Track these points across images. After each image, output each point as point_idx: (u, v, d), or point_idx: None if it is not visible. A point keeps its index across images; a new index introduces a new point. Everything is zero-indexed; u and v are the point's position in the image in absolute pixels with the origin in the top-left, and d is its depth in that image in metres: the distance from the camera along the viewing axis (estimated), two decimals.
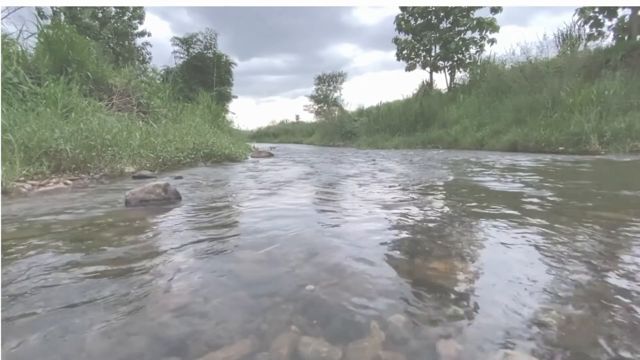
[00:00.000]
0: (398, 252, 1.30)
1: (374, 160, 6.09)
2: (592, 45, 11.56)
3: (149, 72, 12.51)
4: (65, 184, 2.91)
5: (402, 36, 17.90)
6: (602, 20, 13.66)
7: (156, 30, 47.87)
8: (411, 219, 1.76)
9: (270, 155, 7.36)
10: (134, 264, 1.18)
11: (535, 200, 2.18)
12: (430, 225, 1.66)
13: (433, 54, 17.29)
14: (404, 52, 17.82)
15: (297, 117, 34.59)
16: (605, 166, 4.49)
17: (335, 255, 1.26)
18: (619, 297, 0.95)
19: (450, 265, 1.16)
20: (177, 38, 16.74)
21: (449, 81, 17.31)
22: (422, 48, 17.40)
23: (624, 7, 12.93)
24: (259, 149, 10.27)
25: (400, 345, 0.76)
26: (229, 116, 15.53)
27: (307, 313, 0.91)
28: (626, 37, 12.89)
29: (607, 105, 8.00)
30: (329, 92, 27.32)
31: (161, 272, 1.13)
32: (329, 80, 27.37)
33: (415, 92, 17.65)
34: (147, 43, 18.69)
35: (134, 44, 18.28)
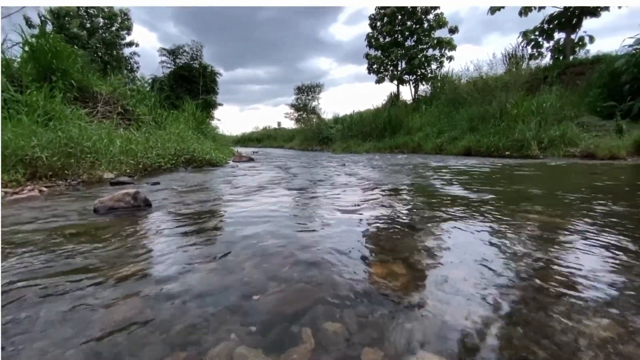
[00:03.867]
0: (345, 258, 1.27)
1: (344, 164, 6.09)
2: (533, 63, 12.12)
3: (137, 81, 11.99)
4: (40, 191, 2.71)
5: (373, 52, 18.15)
6: (541, 42, 14.37)
7: (144, 41, 46.22)
8: (364, 223, 1.75)
9: (250, 159, 7.21)
10: (81, 276, 1.09)
11: (475, 202, 2.23)
12: (380, 230, 1.65)
13: (399, 68, 17.61)
14: (374, 66, 18.05)
15: (279, 123, 34.36)
16: (541, 169, 4.68)
17: (286, 262, 1.22)
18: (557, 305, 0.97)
19: (390, 270, 1.15)
20: (164, 49, 16.14)
21: (413, 93, 17.68)
22: (390, 63, 17.68)
23: (560, 31, 13.64)
24: (241, 153, 10.07)
25: (327, 353, 0.74)
26: (214, 122, 15.18)
27: (249, 322, 0.87)
28: (561, 57, 13.62)
29: (545, 115, 8.41)
30: (307, 101, 27.25)
31: (108, 285, 1.05)
32: (308, 90, 27.31)
33: (384, 102, 17.88)
34: (134, 53, 18.01)
35: (122, 53, 17.54)
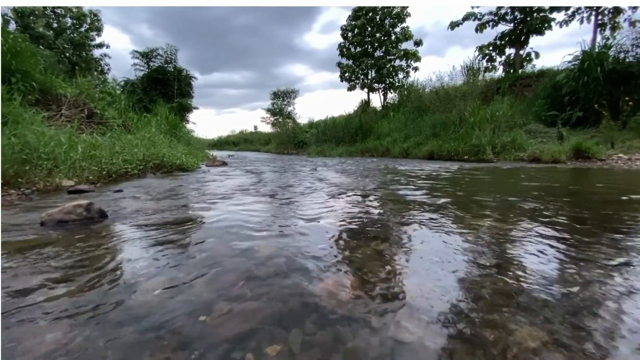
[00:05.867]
0: (300, 271, 1.22)
1: (316, 169, 6.05)
2: (487, 75, 12.77)
3: (108, 83, 11.26)
4: None
5: (345, 61, 18.33)
6: (494, 57, 15.20)
7: (116, 42, 43.73)
8: (324, 233, 1.71)
9: (224, 164, 6.98)
10: (9, 300, 0.96)
11: (431, 208, 2.26)
12: (338, 240, 1.61)
13: (370, 77, 17.91)
14: (346, 74, 18.23)
15: (255, 127, 33.78)
16: (494, 173, 4.91)
17: (239, 279, 1.15)
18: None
19: (342, 284, 1.11)
20: (136, 51, 15.32)
21: (382, 100, 18.06)
22: (360, 72, 17.94)
23: (511, 47, 14.49)
24: (216, 157, 9.75)
25: None
26: (189, 126, 14.62)
27: (191, 347, 0.79)
28: (511, 70, 14.47)
29: (498, 123, 8.86)
30: (283, 106, 27.01)
31: (44, 309, 0.92)
32: (284, 96, 27.06)
33: (355, 108, 18.10)
34: (105, 54, 16.96)
35: (92, 54, 16.46)
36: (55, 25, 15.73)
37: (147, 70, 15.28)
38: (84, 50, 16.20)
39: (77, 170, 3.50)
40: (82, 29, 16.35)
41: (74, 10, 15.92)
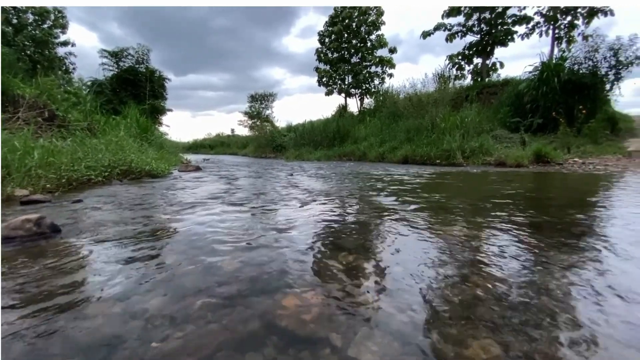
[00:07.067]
0: (263, 289, 1.17)
1: (292, 174, 6.00)
2: (457, 83, 13.33)
3: (74, 83, 10.58)
4: None
5: (322, 66, 18.46)
6: (463, 65, 15.90)
7: (82, 40, 41.46)
8: (292, 245, 1.67)
9: (197, 169, 6.75)
10: None
11: (400, 215, 2.29)
12: (305, 252, 1.58)
13: (347, 82, 18.15)
14: (324, 79, 18.38)
15: (233, 130, 33.17)
16: (462, 177, 5.09)
17: (197, 299, 1.08)
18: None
19: (304, 301, 1.07)
20: (105, 50, 14.60)
21: (359, 105, 18.36)
22: (338, 77, 18.15)
23: (478, 57, 15.21)
24: (190, 161, 9.43)
25: None
26: (162, 129, 14.07)
27: None
28: (479, 79, 15.20)
29: (467, 129, 9.25)
30: (261, 109, 26.73)
31: None
32: (262, 99, 26.80)
33: (333, 113, 18.26)
34: (70, 53, 15.99)
35: (56, 53, 15.46)
36: (15, 21, 14.63)
37: (116, 70, 14.58)
38: (46, 48, 15.18)
39: (33, 179, 3.23)
40: (45, 26, 15.33)
41: (36, 6, 14.90)
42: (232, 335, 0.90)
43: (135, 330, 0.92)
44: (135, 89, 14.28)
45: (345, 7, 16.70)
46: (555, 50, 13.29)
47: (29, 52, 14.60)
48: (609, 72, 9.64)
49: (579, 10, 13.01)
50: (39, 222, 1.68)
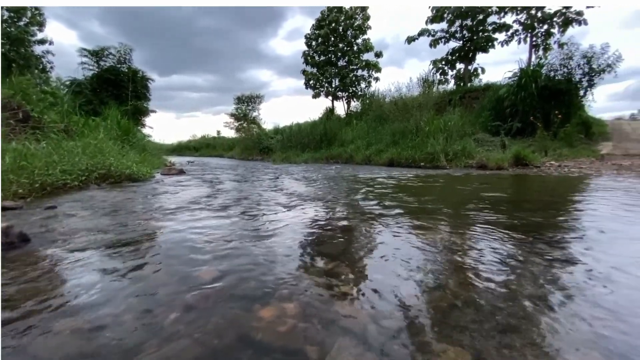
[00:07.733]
0: (239, 300, 1.15)
1: (278, 177, 5.96)
2: (441, 88, 13.62)
3: (52, 82, 10.15)
4: None
5: (309, 69, 18.48)
6: (446, 70, 16.27)
7: (60, 39, 39.97)
8: (270, 254, 1.65)
9: (181, 172, 6.60)
10: None
11: (383, 218, 2.31)
12: (284, 262, 1.56)
13: (333, 85, 18.24)
14: (311, 82, 18.39)
15: (219, 132, 32.68)
16: (446, 179, 5.19)
17: (173, 312, 1.05)
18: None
19: (280, 312, 1.06)
20: (85, 49, 14.10)
21: (346, 108, 18.45)
22: (324, 80, 18.20)
23: (460, 62, 15.62)
24: (173, 164, 9.22)
25: None
26: (145, 130, 13.71)
27: None
28: (462, 84, 15.60)
29: (450, 132, 9.45)
30: (248, 111, 26.49)
31: None
32: (248, 101, 26.57)
33: (320, 115, 18.28)
34: (48, 51, 15.37)
35: (32, 51, 14.84)
36: None
37: (97, 70, 14.13)
38: (22, 46, 14.53)
39: (4, 184, 3.08)
40: (21, 23, 14.68)
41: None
42: (207, 349, 0.88)
43: (105, 347, 0.88)
44: (117, 90, 13.86)
45: (332, 10, 16.81)
46: (533, 57, 13.81)
47: (3, 50, 13.94)
48: (583, 79, 10.09)
49: (555, 19, 13.59)
50: (7, 231, 1.59)
